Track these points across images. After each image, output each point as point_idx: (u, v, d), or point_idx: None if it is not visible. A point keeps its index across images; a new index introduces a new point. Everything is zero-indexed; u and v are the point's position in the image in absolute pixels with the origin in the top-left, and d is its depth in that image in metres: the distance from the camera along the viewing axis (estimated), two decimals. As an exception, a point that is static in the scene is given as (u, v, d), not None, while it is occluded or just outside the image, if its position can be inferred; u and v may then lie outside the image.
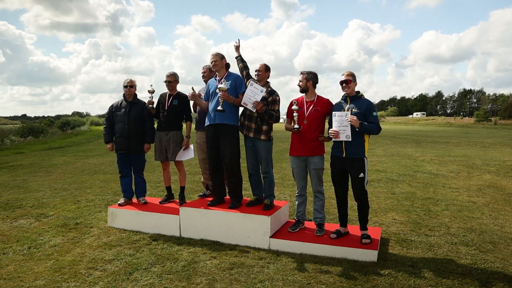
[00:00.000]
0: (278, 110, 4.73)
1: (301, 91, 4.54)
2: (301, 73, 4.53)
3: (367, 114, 4.21)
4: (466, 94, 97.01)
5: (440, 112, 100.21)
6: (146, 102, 5.37)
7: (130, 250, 4.38)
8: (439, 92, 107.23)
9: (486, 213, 5.96)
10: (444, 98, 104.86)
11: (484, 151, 15.74)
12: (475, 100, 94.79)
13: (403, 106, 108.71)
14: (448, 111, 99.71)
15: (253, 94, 4.54)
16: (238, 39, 4.98)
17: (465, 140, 22.45)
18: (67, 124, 38.42)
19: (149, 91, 5.35)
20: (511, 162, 11.91)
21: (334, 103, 4.50)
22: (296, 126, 4.42)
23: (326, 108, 4.46)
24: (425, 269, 3.86)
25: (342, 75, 4.31)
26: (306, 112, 4.46)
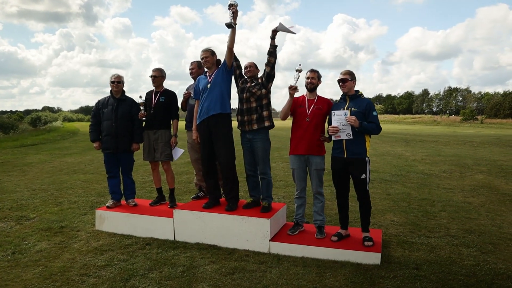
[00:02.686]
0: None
1: (311, 90, 4.41)
2: (312, 70, 4.41)
3: (367, 114, 4.12)
4: (451, 92, 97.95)
5: (426, 110, 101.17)
6: (138, 115, 5.16)
7: (123, 255, 4.18)
8: (425, 90, 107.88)
9: (483, 214, 5.93)
10: (430, 96, 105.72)
11: (473, 150, 15.88)
12: (460, 98, 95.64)
13: (389, 104, 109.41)
14: (434, 110, 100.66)
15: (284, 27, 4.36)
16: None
17: (453, 139, 22.67)
18: (38, 120, 37.13)
19: (139, 103, 5.16)
20: (501, 162, 12.02)
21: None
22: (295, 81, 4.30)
23: (327, 107, 4.36)
24: (429, 271, 3.77)
25: (340, 73, 4.23)
26: (308, 111, 4.34)
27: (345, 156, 4.15)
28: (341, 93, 4.31)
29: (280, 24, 4.35)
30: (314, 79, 4.37)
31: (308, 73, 4.39)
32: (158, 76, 5.21)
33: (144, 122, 5.29)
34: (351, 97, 4.22)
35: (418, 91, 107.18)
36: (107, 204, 5.26)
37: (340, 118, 4.09)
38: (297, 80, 4.30)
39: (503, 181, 8.72)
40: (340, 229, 4.43)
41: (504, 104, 69.15)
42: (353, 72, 4.22)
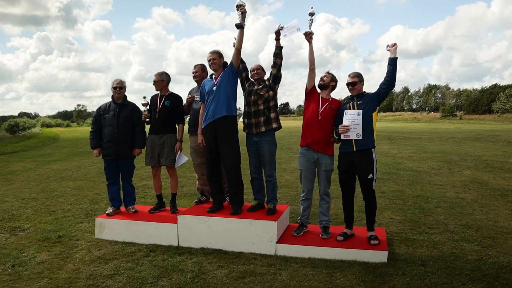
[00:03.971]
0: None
1: (321, 86, 4.46)
2: (328, 72, 4.49)
3: (374, 95, 4.24)
4: (431, 89, 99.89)
5: (406, 108, 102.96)
6: (142, 116, 5.12)
7: (129, 263, 4.11)
8: (405, 87, 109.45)
9: (477, 209, 6.07)
10: (410, 94, 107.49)
11: (457, 146, 16.27)
12: (440, 95, 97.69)
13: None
14: (414, 107, 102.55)
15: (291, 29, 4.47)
16: (235, 37, 4.74)
17: (436, 135, 23.16)
18: (16, 126, 36.34)
19: (142, 104, 5.09)
20: (485, 157, 12.34)
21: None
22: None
23: (338, 108, 4.40)
24: (436, 267, 3.85)
25: (349, 76, 4.29)
26: (321, 109, 4.37)
27: (354, 149, 4.19)
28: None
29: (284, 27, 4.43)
30: (327, 77, 4.43)
31: (324, 73, 4.49)
32: (158, 80, 5.11)
33: (148, 125, 5.24)
34: (358, 96, 4.31)
35: (399, 88, 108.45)
36: (107, 212, 5.17)
37: (352, 118, 4.14)
38: (311, 25, 4.38)
39: (490, 176, 8.96)
40: (345, 228, 4.47)
41: (482, 100, 71.12)
42: (361, 73, 4.31)
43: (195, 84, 5.30)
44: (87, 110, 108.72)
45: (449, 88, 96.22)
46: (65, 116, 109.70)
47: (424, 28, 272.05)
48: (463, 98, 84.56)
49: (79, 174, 10.51)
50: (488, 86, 77.93)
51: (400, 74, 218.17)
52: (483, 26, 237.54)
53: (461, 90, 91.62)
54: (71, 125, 69.25)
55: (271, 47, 4.63)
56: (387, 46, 4.18)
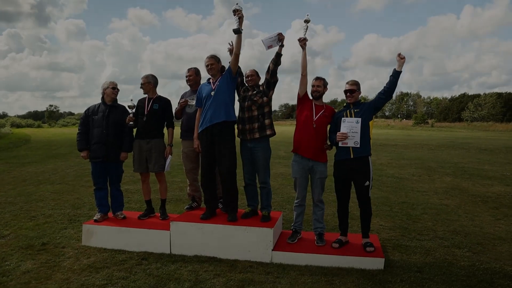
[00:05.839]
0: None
1: (317, 98, 4.43)
2: (318, 78, 4.42)
3: (371, 103, 4.30)
4: (403, 97, 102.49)
5: (379, 114, 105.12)
6: (127, 119, 4.94)
7: (121, 272, 3.96)
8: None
9: (462, 215, 6.22)
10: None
11: (433, 153, 16.71)
12: (411, 103, 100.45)
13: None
14: (387, 114, 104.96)
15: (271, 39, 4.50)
16: (231, 42, 4.68)
17: (411, 142, 23.72)
18: (-16, 126, 34.89)
19: (129, 107, 4.94)
20: (462, 164, 12.72)
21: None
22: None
23: (331, 116, 4.40)
24: (432, 274, 3.90)
25: (347, 83, 4.30)
26: (315, 117, 4.35)
27: (351, 156, 4.19)
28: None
29: (265, 40, 4.46)
30: (320, 87, 4.40)
31: (314, 81, 4.43)
32: (145, 82, 5.00)
33: (134, 129, 5.08)
34: (354, 104, 4.33)
35: (372, 95, 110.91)
36: (94, 218, 4.98)
37: (351, 125, 4.15)
38: (306, 31, 4.37)
39: (469, 183, 9.22)
40: (340, 235, 4.47)
41: (452, 109, 73.75)
42: (359, 82, 4.32)
43: (175, 87, 5.33)
44: (59, 111, 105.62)
45: (420, 96, 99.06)
46: (36, 116, 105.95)
47: (397, 37, 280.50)
48: (434, 106, 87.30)
49: (56, 177, 10.12)
50: (457, 95, 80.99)
51: (373, 82, 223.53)
52: (452, 37, 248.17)
53: (431, 98, 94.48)
54: (43, 125, 66.93)
55: (247, 52, 4.57)
56: (399, 55, 4.13)
